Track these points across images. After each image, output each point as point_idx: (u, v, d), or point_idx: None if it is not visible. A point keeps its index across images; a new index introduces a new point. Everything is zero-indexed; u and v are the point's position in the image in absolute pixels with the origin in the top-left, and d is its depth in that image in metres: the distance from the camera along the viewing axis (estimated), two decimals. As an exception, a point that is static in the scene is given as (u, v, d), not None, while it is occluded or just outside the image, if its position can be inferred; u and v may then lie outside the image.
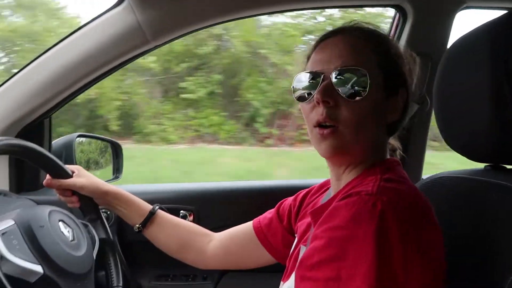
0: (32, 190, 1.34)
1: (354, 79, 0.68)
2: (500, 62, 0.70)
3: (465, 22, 1.23)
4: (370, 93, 0.69)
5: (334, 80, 0.70)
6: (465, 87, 0.79)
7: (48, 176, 1.00)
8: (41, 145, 1.16)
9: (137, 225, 1.06)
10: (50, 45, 1.22)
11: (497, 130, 0.73)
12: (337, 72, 0.70)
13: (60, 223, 0.88)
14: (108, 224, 1.08)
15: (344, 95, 0.70)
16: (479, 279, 0.71)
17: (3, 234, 0.75)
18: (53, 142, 1.38)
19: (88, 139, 1.47)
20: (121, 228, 1.30)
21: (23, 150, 0.89)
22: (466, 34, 0.82)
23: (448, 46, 0.92)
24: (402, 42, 1.29)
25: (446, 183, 0.88)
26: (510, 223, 0.69)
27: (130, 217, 1.06)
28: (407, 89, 0.76)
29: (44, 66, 1.22)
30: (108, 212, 1.30)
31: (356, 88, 0.68)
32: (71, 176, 1.01)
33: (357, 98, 0.69)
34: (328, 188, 0.90)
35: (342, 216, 0.61)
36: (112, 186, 1.06)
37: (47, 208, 0.89)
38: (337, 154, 0.72)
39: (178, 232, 1.07)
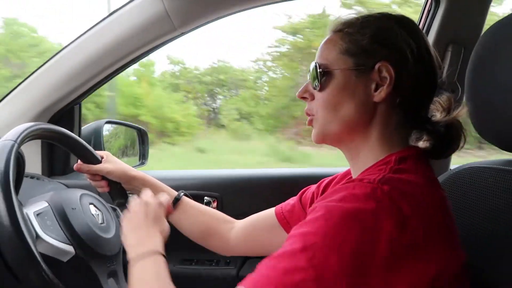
0: (63, 174, 1.39)
1: (314, 73, 0.76)
2: None
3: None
4: (334, 80, 0.74)
5: (308, 78, 0.79)
6: (499, 76, 0.76)
7: (78, 161, 1.03)
8: (71, 130, 1.19)
9: None
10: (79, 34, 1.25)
11: None
12: (310, 70, 0.78)
13: (91, 206, 0.91)
14: None
15: (314, 89, 0.77)
16: (504, 267, 0.69)
17: (38, 214, 0.79)
18: (82, 128, 1.42)
19: (115, 125, 1.51)
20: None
21: (55, 135, 0.92)
22: (500, 20, 0.79)
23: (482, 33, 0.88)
24: (434, 30, 1.25)
25: (476, 174, 0.85)
26: None
27: None
28: (392, 62, 0.71)
29: (73, 54, 1.25)
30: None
31: (316, 80, 0.76)
32: (100, 162, 1.04)
33: (321, 88, 0.76)
34: (351, 177, 0.89)
35: (339, 194, 0.62)
36: (139, 172, 1.08)
37: (79, 192, 0.92)
38: (323, 140, 0.79)
39: (201, 219, 1.08)
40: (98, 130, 1.39)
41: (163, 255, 0.78)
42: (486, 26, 1.24)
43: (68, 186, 1.29)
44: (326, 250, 0.56)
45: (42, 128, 0.86)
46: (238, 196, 1.39)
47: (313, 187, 1.00)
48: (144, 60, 7.71)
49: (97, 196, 0.98)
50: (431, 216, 0.62)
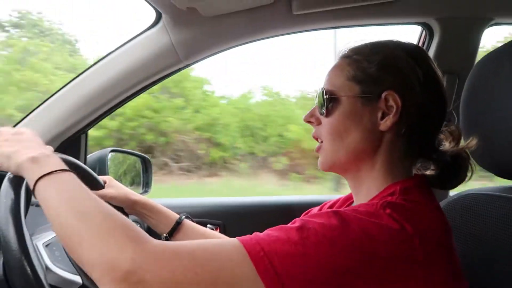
0: None
1: (321, 98, 0.76)
2: None
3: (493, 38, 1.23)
4: (340, 107, 0.75)
5: (315, 102, 0.80)
6: (494, 104, 0.79)
7: None
8: (77, 158, 1.22)
9: (164, 234, 1.08)
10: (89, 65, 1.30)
11: None
12: (317, 95, 0.79)
13: None
14: None
15: (321, 114, 0.78)
16: None
17: (47, 245, 0.80)
18: (88, 156, 1.44)
19: (120, 154, 1.53)
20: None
21: None
22: (493, 50, 0.83)
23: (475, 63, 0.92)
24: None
25: (474, 201, 0.87)
26: None
27: (158, 226, 1.09)
28: (398, 91, 0.71)
29: (82, 85, 1.29)
30: (138, 226, 1.34)
31: (323, 105, 0.76)
32: (103, 187, 1.05)
33: (328, 114, 0.76)
34: (352, 202, 0.91)
35: (347, 209, 0.63)
36: (141, 196, 1.09)
37: None
38: (330, 168, 0.79)
39: None
40: (103, 158, 1.41)
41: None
42: (479, 57, 1.29)
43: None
44: (321, 237, 0.57)
45: None
46: (240, 224, 1.39)
47: (316, 209, 1.01)
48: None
49: None
50: (434, 239, 0.62)
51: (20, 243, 0.66)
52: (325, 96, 0.76)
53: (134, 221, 1.34)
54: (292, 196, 1.52)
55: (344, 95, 0.75)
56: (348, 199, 0.95)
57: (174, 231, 1.08)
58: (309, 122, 0.82)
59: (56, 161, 0.69)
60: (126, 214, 1.09)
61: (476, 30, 1.26)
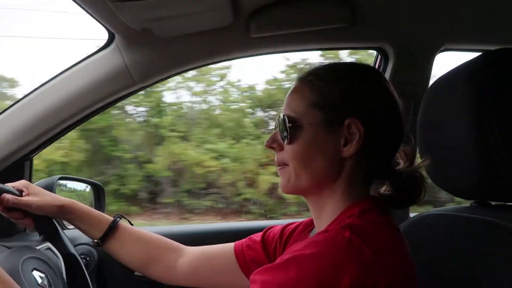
0: (7, 236, 1.29)
1: (283, 125, 0.74)
2: (478, 100, 0.72)
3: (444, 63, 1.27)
4: (303, 134, 0.73)
5: (277, 127, 0.78)
6: (447, 126, 0.80)
7: None
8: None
9: (95, 240, 0.99)
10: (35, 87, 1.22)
11: (481, 167, 0.74)
12: (278, 120, 0.77)
13: (34, 272, 0.84)
14: (87, 271, 1.03)
15: (283, 140, 0.76)
16: None
17: None
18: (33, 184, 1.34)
19: (70, 181, 1.43)
20: (101, 277, 1.24)
21: None
22: (445, 74, 0.85)
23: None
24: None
25: (433, 221, 0.88)
26: (496, 259, 0.69)
27: (88, 231, 1.01)
28: (361, 118, 0.71)
29: (27, 107, 1.21)
30: (88, 259, 1.24)
31: (286, 132, 0.74)
32: (21, 196, 0.94)
33: (290, 141, 0.74)
34: (313, 228, 0.88)
35: (303, 243, 0.64)
36: (67, 200, 1.00)
37: (20, 258, 0.84)
38: (292, 191, 0.78)
39: (141, 247, 1.01)
40: (51, 187, 1.31)
41: None
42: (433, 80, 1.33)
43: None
44: None
45: None
46: None
47: (277, 229, 0.98)
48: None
49: (38, 254, 0.90)
50: (393, 262, 0.63)
51: None
52: (287, 124, 0.74)
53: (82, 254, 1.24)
54: (254, 221, 1.49)
55: (307, 122, 0.73)
56: (310, 224, 0.93)
57: (107, 236, 1.00)
58: (271, 147, 0.80)
59: None
60: (51, 221, 0.99)
61: (428, 55, 1.31)
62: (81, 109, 1.22)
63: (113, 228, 1.00)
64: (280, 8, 1.12)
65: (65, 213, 0.98)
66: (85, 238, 1.22)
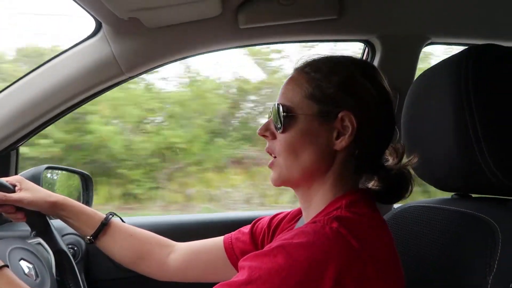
0: None
1: (277, 114, 0.75)
2: (462, 94, 0.73)
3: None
4: (297, 124, 0.74)
5: (271, 116, 0.78)
6: (430, 119, 0.82)
7: None
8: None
9: (88, 237, 1.00)
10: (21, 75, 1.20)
11: (462, 160, 0.75)
12: (272, 109, 0.77)
13: (22, 262, 0.84)
14: (75, 261, 1.03)
15: (276, 129, 0.77)
16: None
17: None
18: (19, 174, 1.32)
19: (57, 171, 1.42)
20: (89, 267, 1.25)
21: None
22: (430, 68, 0.86)
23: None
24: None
25: (415, 213, 0.90)
26: (476, 251, 0.71)
27: (80, 228, 1.01)
28: (355, 112, 0.72)
29: (13, 96, 1.19)
30: (75, 248, 1.24)
31: (279, 121, 0.75)
32: (13, 191, 0.95)
33: (283, 130, 0.75)
34: (300, 217, 0.90)
35: (292, 233, 0.65)
36: (59, 197, 1.00)
37: (7, 247, 0.84)
38: (282, 184, 0.78)
39: (133, 243, 1.02)
40: (37, 177, 1.30)
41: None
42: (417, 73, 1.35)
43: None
44: (268, 285, 0.59)
45: None
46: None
47: (266, 220, 0.99)
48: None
49: (27, 245, 0.90)
50: (380, 252, 0.64)
51: None
52: (282, 113, 0.75)
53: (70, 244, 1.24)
54: (241, 212, 1.50)
55: (302, 113, 0.74)
56: (299, 213, 0.94)
57: (99, 233, 1.01)
58: (264, 136, 0.80)
59: None
60: (43, 216, 1.00)
61: (414, 48, 1.33)
62: (68, 99, 1.21)
63: (105, 225, 1.01)
64: (268, 0, 1.12)
65: (57, 209, 0.98)
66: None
